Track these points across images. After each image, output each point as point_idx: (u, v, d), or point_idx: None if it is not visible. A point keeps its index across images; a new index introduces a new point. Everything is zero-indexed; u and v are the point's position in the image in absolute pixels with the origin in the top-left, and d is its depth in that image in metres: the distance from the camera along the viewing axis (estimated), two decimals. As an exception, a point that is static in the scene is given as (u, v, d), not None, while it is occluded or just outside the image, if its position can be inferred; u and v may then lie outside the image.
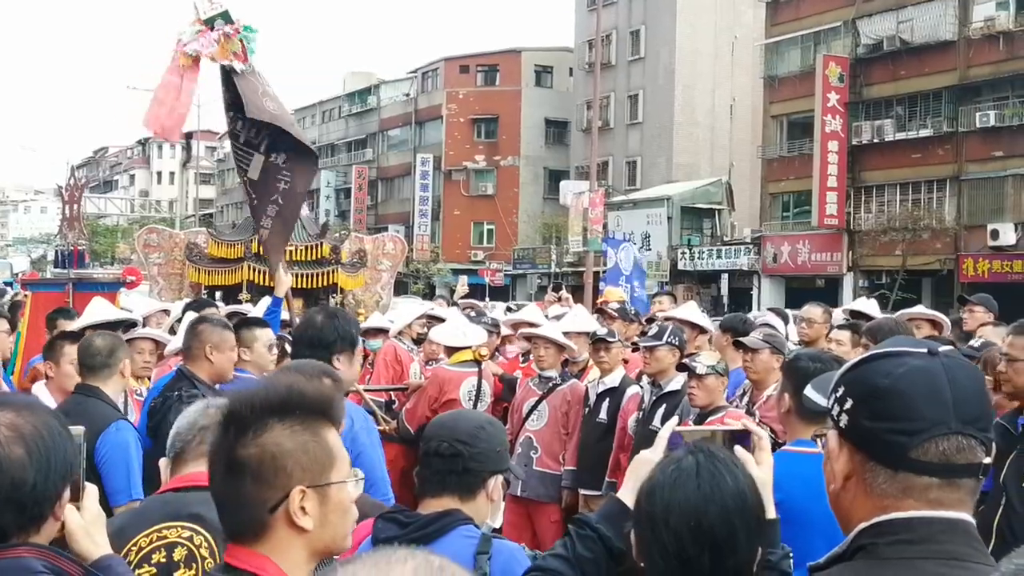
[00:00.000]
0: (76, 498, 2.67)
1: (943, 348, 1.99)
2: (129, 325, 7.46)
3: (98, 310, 7.59)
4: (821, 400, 2.32)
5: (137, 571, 2.70)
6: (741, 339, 7.58)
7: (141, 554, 2.73)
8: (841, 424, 1.94)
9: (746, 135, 55.80)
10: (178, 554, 2.74)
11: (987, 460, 1.92)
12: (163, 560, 2.75)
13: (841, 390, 1.96)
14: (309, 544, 2.24)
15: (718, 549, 2.28)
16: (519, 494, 8.07)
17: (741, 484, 2.38)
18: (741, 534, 2.31)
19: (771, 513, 2.61)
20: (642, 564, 2.47)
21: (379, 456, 5.18)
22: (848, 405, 1.93)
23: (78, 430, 2.76)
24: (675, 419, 3.42)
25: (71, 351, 5.89)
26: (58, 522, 2.46)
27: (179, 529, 2.75)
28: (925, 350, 1.94)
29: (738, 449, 2.61)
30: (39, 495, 2.33)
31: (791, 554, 2.76)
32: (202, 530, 2.76)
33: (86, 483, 2.75)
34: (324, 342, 5.13)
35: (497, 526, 3.39)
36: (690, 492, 2.33)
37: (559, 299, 15.19)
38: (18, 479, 2.29)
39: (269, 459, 2.18)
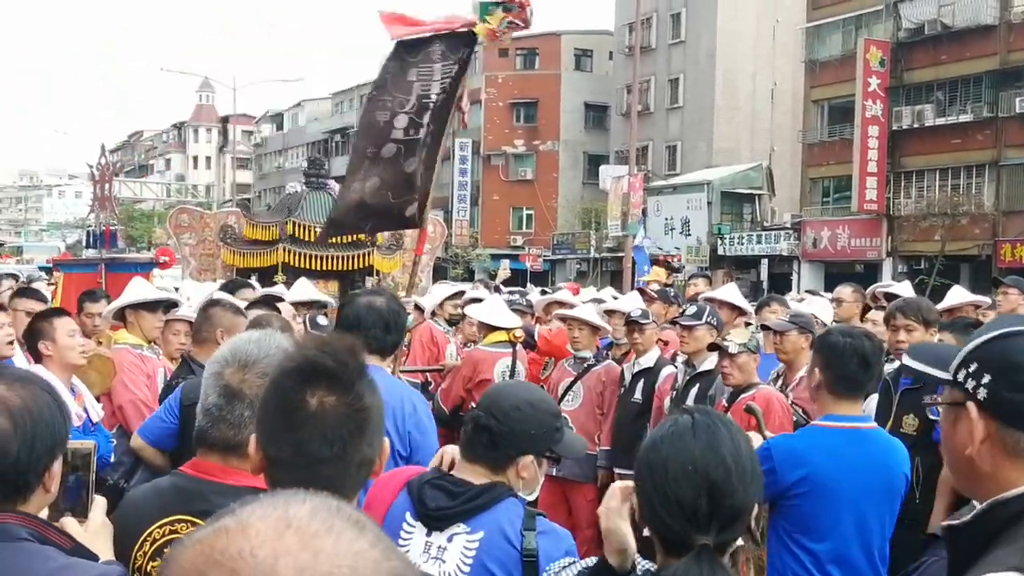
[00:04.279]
0: (84, 513, 2.76)
1: None
2: (170, 305, 7.44)
3: (139, 289, 7.52)
4: (925, 368, 2.48)
5: (151, 563, 2.76)
6: (767, 322, 7.61)
7: (155, 546, 2.77)
8: (979, 397, 2.11)
9: (787, 120, 55.40)
10: None
11: None
12: None
13: (974, 366, 2.14)
14: None
15: (715, 489, 2.37)
16: (555, 474, 8.00)
17: (735, 435, 2.51)
18: (735, 477, 2.40)
19: None
20: (646, 530, 2.52)
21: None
22: (986, 379, 2.10)
23: (88, 443, 2.93)
24: None
25: (62, 323, 5.78)
26: (48, 494, 2.49)
27: (188, 526, 2.77)
28: None
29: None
30: (22, 466, 2.38)
31: None
32: None
33: (94, 495, 2.86)
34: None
35: (531, 499, 3.33)
36: (688, 442, 2.45)
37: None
38: (1, 450, 2.35)
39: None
